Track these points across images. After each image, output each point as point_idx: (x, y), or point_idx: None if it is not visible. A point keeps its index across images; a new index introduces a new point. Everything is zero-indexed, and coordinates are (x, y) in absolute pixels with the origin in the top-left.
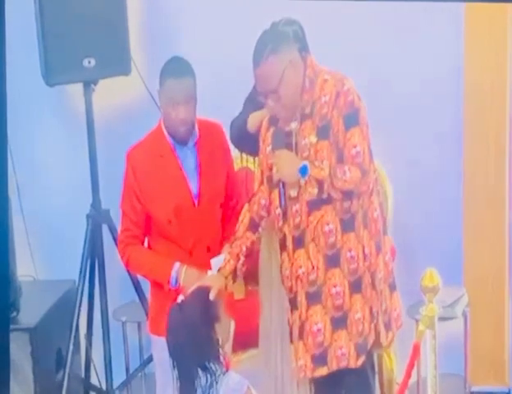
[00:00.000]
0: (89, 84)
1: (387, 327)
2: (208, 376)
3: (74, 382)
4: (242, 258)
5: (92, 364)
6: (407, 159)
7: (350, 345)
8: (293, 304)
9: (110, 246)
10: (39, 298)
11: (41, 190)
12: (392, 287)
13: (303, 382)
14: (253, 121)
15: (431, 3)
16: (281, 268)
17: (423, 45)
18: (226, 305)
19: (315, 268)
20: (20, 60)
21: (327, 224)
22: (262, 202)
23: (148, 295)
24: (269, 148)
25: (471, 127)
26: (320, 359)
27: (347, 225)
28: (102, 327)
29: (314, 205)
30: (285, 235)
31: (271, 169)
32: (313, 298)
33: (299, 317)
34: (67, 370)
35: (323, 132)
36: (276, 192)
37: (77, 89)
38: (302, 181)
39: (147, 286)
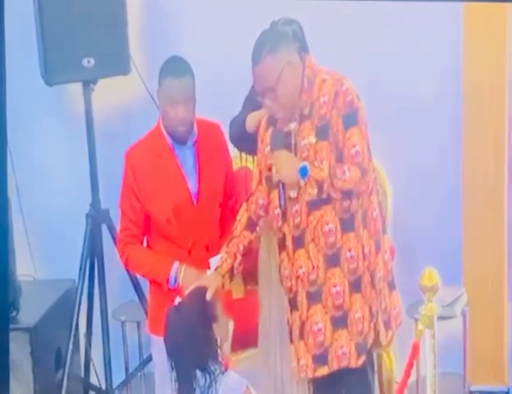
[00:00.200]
0: (88, 84)
1: (387, 325)
2: (207, 376)
3: (73, 382)
4: (239, 257)
5: (91, 364)
6: (406, 159)
7: (351, 344)
8: (293, 303)
9: (109, 246)
10: (39, 298)
11: (40, 190)
12: (391, 286)
13: (302, 382)
14: (251, 121)
15: (430, 3)
16: (279, 267)
17: (422, 45)
18: (224, 305)
19: (315, 267)
20: (19, 59)
21: (327, 224)
22: (260, 201)
23: (148, 294)
24: (268, 149)
25: (470, 127)
26: (321, 359)
27: (347, 224)
28: (102, 327)
29: (314, 205)
30: (284, 236)
31: (270, 169)
32: (314, 298)
33: (300, 317)
34: (67, 370)
35: (322, 132)
36: (275, 192)
37: (76, 88)
38: (302, 182)
39: (146, 286)
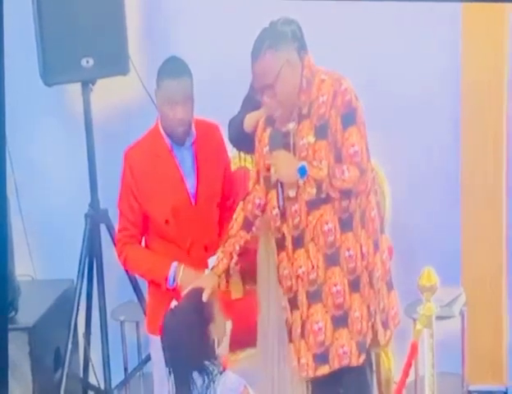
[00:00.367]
0: (87, 84)
1: (385, 325)
2: (205, 377)
3: (72, 382)
4: (235, 257)
5: (90, 364)
6: (405, 159)
7: (352, 343)
8: (293, 303)
9: (108, 246)
10: (38, 298)
11: (39, 190)
12: (389, 286)
13: (301, 382)
14: (249, 121)
15: (428, 3)
16: (278, 267)
17: (421, 45)
18: (222, 304)
19: (315, 267)
20: (18, 60)
21: (326, 223)
22: (257, 201)
23: (146, 294)
24: (266, 149)
25: (469, 127)
26: (322, 358)
27: (345, 224)
28: (101, 327)
29: (313, 205)
30: (283, 235)
31: (268, 169)
32: (314, 297)
33: (301, 316)
34: (66, 369)
35: (321, 132)
36: (273, 192)
37: (75, 88)
38: (300, 181)
39: (145, 286)
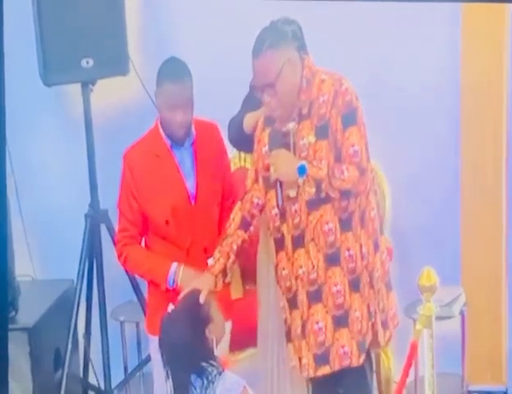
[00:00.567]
0: (87, 85)
1: (384, 325)
2: (204, 378)
3: (72, 382)
4: (232, 257)
5: (90, 364)
6: (405, 159)
7: (352, 343)
8: (292, 303)
9: (108, 246)
10: (38, 298)
11: (39, 190)
12: (388, 287)
13: (300, 381)
14: (249, 121)
15: (428, 3)
16: (276, 268)
17: (421, 45)
18: (220, 304)
19: (315, 267)
20: (18, 60)
21: (327, 223)
22: (255, 200)
23: (146, 294)
24: (265, 149)
25: (469, 127)
26: (322, 359)
27: (345, 224)
28: (101, 327)
29: (313, 205)
30: (282, 235)
31: (267, 169)
32: (314, 297)
33: (301, 316)
34: (66, 370)
35: (322, 132)
36: (272, 192)
37: (75, 89)
38: (300, 181)
39: (145, 286)
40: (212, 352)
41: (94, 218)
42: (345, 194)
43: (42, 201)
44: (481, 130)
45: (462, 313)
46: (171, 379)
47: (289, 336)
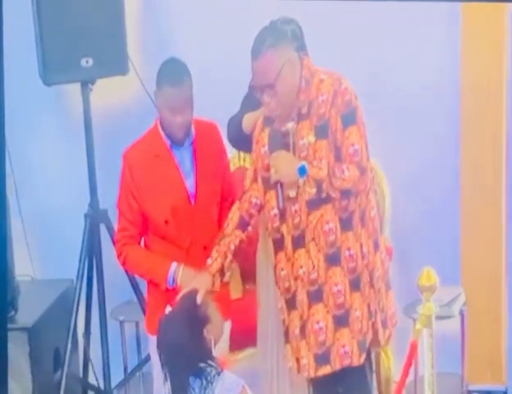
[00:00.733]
0: (86, 84)
1: (384, 325)
2: (203, 378)
3: (72, 382)
4: (230, 256)
5: (90, 364)
6: (404, 159)
7: (353, 342)
8: (291, 304)
9: (108, 246)
10: (37, 297)
11: (39, 190)
12: (387, 286)
13: (300, 381)
14: (247, 121)
15: (428, 3)
16: (275, 268)
17: (420, 45)
18: (219, 304)
19: (316, 267)
20: (18, 59)
21: (327, 223)
22: (253, 200)
23: (146, 294)
24: (264, 149)
25: (468, 127)
26: (323, 358)
27: (345, 223)
28: (100, 327)
29: (314, 205)
30: (282, 236)
31: (267, 170)
32: (315, 297)
33: (301, 316)
34: (65, 369)
35: (321, 132)
36: (271, 193)
37: (75, 88)
38: (300, 181)
39: (145, 286)
40: (211, 352)
41: (94, 218)
42: (346, 194)
43: (41, 201)
44: (480, 129)
45: (462, 313)
46: (169, 381)
47: (287, 338)
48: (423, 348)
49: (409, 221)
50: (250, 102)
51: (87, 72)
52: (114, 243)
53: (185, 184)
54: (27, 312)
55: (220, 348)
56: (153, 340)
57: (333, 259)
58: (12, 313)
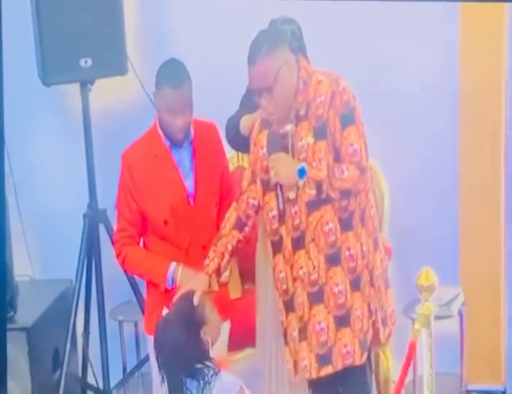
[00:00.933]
0: (85, 84)
1: (384, 323)
2: (200, 379)
3: (71, 382)
4: (227, 257)
5: (89, 364)
6: (403, 159)
7: (355, 342)
8: (289, 306)
9: (107, 246)
10: (36, 297)
11: (38, 190)
12: (386, 284)
13: (299, 382)
14: (245, 123)
15: (426, 3)
16: (273, 270)
17: (419, 45)
18: (217, 304)
19: (316, 268)
20: (17, 60)
21: (327, 224)
22: (251, 201)
23: (145, 294)
24: (263, 151)
25: (467, 126)
26: (325, 359)
27: (345, 223)
28: (99, 327)
29: (313, 206)
30: (281, 237)
31: (266, 172)
32: (315, 298)
33: (300, 318)
34: (64, 369)
35: (320, 133)
36: (270, 195)
37: (74, 88)
38: (300, 183)
39: (144, 286)
40: (208, 353)
41: (93, 218)
42: (346, 194)
43: (40, 201)
44: (479, 129)
45: (460, 313)
46: (166, 383)
47: (285, 339)
48: (422, 348)
49: (408, 221)
50: (249, 101)
51: (86, 72)
52: (113, 243)
53: (184, 184)
54: (26, 312)
55: (218, 348)
56: (151, 340)
57: (333, 260)
58: (11, 313)
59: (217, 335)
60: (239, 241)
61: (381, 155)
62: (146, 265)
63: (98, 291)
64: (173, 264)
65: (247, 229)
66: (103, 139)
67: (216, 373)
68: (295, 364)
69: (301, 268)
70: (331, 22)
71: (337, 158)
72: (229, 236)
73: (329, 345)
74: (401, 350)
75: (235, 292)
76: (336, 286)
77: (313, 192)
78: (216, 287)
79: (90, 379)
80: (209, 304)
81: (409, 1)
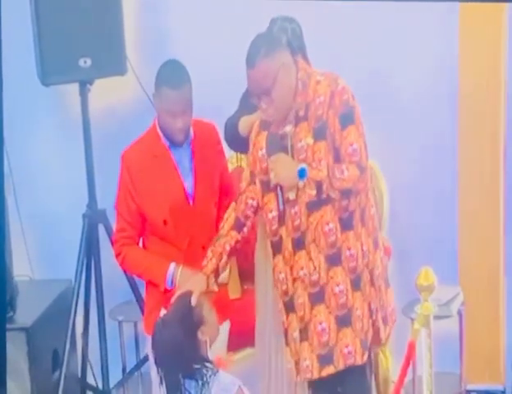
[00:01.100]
0: (84, 84)
1: (384, 321)
2: (199, 379)
3: (70, 382)
4: (225, 257)
5: (88, 364)
6: (403, 159)
7: (356, 341)
8: (289, 307)
9: (106, 246)
10: (36, 298)
11: (37, 190)
12: (386, 283)
13: (299, 382)
14: (244, 124)
15: (425, 3)
16: (273, 271)
17: (418, 45)
18: (216, 304)
19: (317, 268)
20: (16, 60)
21: (327, 224)
22: (249, 202)
23: (144, 294)
24: (262, 152)
25: (466, 127)
26: (326, 359)
27: (346, 223)
28: (99, 327)
29: (313, 206)
30: (280, 238)
31: (265, 173)
32: (317, 298)
33: (301, 319)
34: (64, 370)
35: (320, 133)
36: (269, 196)
37: (73, 89)
38: (300, 184)
39: (143, 286)
40: (206, 353)
41: (92, 218)
42: (346, 194)
43: (40, 201)
44: (479, 129)
45: (460, 313)
46: (164, 384)
47: (286, 340)
48: (421, 348)
49: (408, 221)
50: (248, 102)
51: (85, 72)
52: (112, 243)
53: (183, 184)
54: (25, 312)
55: (218, 348)
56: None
57: (334, 260)
58: (11, 313)
59: (215, 335)
60: (237, 242)
61: (380, 155)
62: (145, 265)
63: (97, 291)
64: (173, 265)
65: (245, 230)
66: (103, 139)
67: (214, 373)
68: (297, 364)
69: (302, 268)
70: (330, 22)
71: (337, 158)
72: (227, 237)
73: (330, 346)
74: (401, 349)
75: (234, 292)
76: (337, 286)
77: (314, 192)
78: (214, 287)
79: (90, 379)
80: (207, 305)
81: (409, 1)
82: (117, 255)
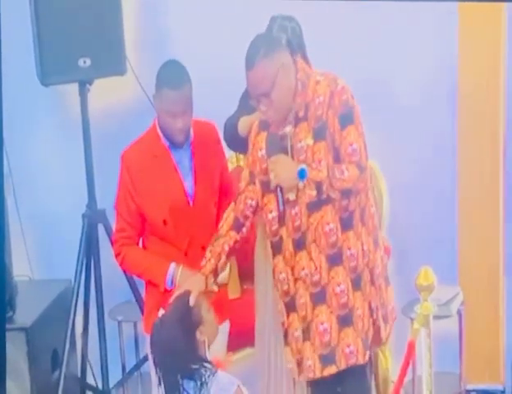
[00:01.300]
0: (84, 84)
1: (385, 320)
2: (197, 379)
3: (70, 382)
4: (224, 258)
5: (88, 364)
6: (402, 159)
7: (358, 341)
8: (290, 306)
9: (106, 246)
10: (35, 297)
11: (37, 190)
12: (387, 282)
13: (298, 382)
14: (243, 125)
15: (425, 3)
16: (273, 271)
17: (418, 45)
18: (216, 303)
19: (318, 268)
20: (15, 60)
21: (328, 224)
22: (249, 202)
23: (144, 294)
24: (261, 153)
25: (466, 127)
26: (328, 359)
27: (346, 223)
28: (99, 327)
29: (314, 207)
30: (281, 239)
31: (265, 173)
32: (318, 298)
33: (303, 318)
34: (63, 369)
35: (320, 133)
36: (269, 196)
37: (72, 89)
38: (300, 184)
39: (143, 286)
40: (204, 353)
41: (92, 218)
42: (346, 194)
43: (39, 201)
44: (478, 129)
45: (459, 313)
46: (163, 385)
47: (286, 340)
48: (421, 348)
49: (407, 220)
50: (247, 102)
51: (85, 72)
52: (112, 243)
53: (183, 184)
54: (25, 312)
55: (217, 348)
56: None
57: (335, 260)
58: (10, 313)
59: (214, 335)
60: (236, 242)
61: (380, 155)
62: (145, 265)
63: (97, 291)
64: (172, 265)
65: (245, 230)
66: (102, 139)
67: (213, 374)
68: (299, 363)
69: (303, 268)
70: (330, 22)
71: (337, 158)
72: (226, 237)
73: (332, 346)
74: (400, 349)
75: (233, 292)
76: (338, 285)
77: (314, 193)
78: (213, 288)
79: (89, 379)
80: (205, 305)
81: (409, 1)
82: (117, 255)
